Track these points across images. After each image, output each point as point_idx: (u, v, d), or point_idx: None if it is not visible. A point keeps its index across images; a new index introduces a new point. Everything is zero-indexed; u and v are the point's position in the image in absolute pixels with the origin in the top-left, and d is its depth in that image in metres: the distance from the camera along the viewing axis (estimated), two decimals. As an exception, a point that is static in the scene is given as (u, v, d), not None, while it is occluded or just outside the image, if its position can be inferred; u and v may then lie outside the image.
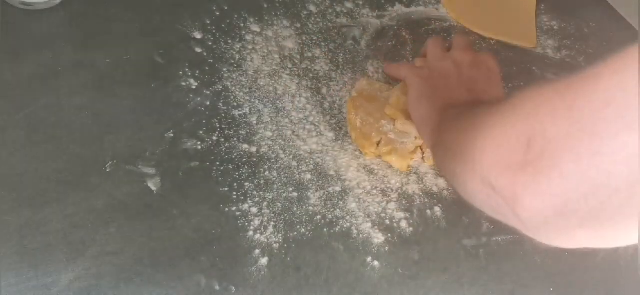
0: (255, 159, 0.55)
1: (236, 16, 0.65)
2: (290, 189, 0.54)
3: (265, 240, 0.50)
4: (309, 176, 0.55)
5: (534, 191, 0.33)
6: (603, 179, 0.31)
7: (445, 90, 0.56)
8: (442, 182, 0.58)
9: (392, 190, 0.56)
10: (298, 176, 0.55)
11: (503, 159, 0.36)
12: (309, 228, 0.52)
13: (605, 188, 0.31)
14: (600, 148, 0.30)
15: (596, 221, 0.32)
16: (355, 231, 0.53)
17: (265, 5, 0.67)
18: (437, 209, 0.56)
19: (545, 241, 0.37)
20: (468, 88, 0.56)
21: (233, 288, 0.47)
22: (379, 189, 0.56)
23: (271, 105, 0.59)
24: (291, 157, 0.56)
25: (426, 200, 0.57)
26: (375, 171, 0.57)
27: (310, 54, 0.64)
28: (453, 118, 0.49)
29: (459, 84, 0.56)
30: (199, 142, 0.55)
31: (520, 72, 0.69)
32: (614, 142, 0.30)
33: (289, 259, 0.50)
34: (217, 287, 0.47)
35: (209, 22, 0.64)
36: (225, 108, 0.58)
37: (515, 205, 0.35)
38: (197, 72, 0.59)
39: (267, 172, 0.54)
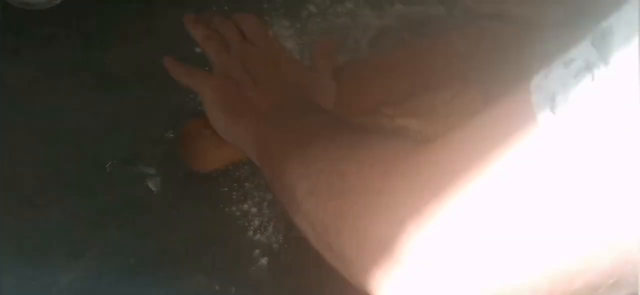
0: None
1: (236, 16, 0.65)
2: (290, 189, 0.54)
3: (265, 240, 0.50)
4: (309, 176, 0.55)
5: None
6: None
7: (248, 100, 0.47)
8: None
9: (392, 190, 0.56)
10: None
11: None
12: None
13: None
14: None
15: None
16: (355, 231, 0.53)
17: (265, 6, 0.67)
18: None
19: None
20: (268, 90, 0.47)
21: (233, 288, 0.47)
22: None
23: (271, 105, 0.59)
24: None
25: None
26: (375, 171, 0.57)
27: (310, 54, 0.64)
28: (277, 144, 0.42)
29: (254, 88, 0.48)
30: (199, 142, 0.55)
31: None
32: None
33: (288, 259, 0.50)
34: (217, 287, 0.47)
35: (209, 22, 0.64)
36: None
37: None
38: (197, 72, 0.59)
39: (267, 172, 0.54)
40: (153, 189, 0.51)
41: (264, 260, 0.49)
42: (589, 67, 0.22)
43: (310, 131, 0.41)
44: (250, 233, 0.50)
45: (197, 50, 0.61)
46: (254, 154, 0.45)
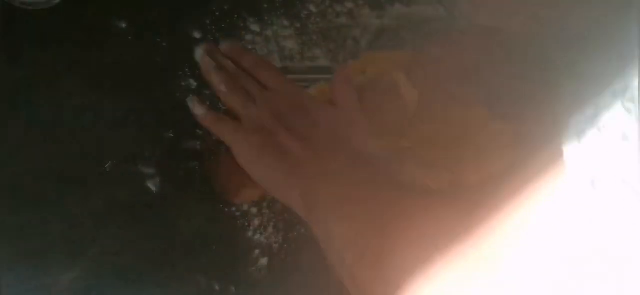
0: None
1: (236, 16, 0.65)
2: (290, 189, 0.54)
3: (265, 240, 0.50)
4: (309, 176, 0.55)
5: None
6: None
7: (288, 151, 0.46)
8: (442, 182, 0.58)
9: (392, 190, 0.56)
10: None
11: None
12: (309, 228, 0.52)
13: None
14: None
15: None
16: (355, 231, 0.53)
17: (265, 5, 0.67)
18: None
19: None
20: (305, 137, 0.46)
21: (233, 288, 0.47)
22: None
23: (271, 105, 0.59)
24: (291, 157, 0.56)
25: (426, 200, 0.56)
26: (375, 171, 0.57)
27: (310, 54, 0.64)
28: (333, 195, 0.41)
29: (289, 137, 0.46)
30: (199, 142, 0.55)
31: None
32: None
33: (289, 259, 0.50)
34: (217, 287, 0.47)
35: (209, 22, 0.64)
36: (225, 108, 0.57)
37: None
38: (197, 72, 0.59)
39: (267, 172, 0.54)
40: (153, 189, 0.51)
41: (264, 260, 0.49)
42: (625, 138, 0.22)
43: (352, 184, 0.42)
44: (250, 233, 0.50)
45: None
46: (300, 209, 0.45)
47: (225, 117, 0.50)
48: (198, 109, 0.51)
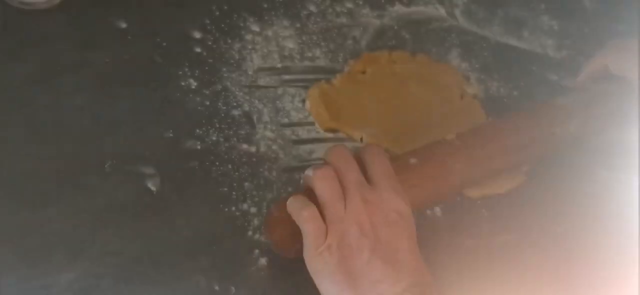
0: (255, 159, 0.55)
1: (236, 16, 0.65)
2: (290, 189, 0.54)
3: (265, 240, 0.50)
4: (308, 176, 0.55)
5: None
6: None
7: (364, 275, 0.42)
8: (442, 182, 0.58)
9: (392, 190, 0.56)
10: (298, 176, 0.55)
11: None
12: (308, 228, 0.52)
13: None
14: None
15: None
16: (355, 231, 0.53)
17: (265, 5, 0.67)
18: (437, 209, 0.56)
19: None
20: (385, 261, 0.42)
21: (233, 288, 0.47)
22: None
23: (271, 105, 0.59)
24: (291, 157, 0.56)
25: (426, 200, 0.56)
26: (375, 171, 0.57)
27: (310, 54, 0.65)
28: None
29: (370, 261, 0.42)
30: (198, 142, 0.55)
31: (521, 73, 0.69)
32: None
33: (289, 259, 0.50)
34: (217, 287, 0.47)
35: (208, 21, 0.64)
36: (225, 108, 0.58)
37: None
38: (197, 72, 0.59)
39: (267, 172, 0.54)
40: (153, 189, 0.51)
41: (263, 260, 0.49)
42: None
43: None
44: (250, 233, 0.50)
45: (197, 50, 0.61)
46: None
47: (314, 211, 0.44)
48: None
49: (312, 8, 0.69)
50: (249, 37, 0.64)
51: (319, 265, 0.42)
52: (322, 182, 0.44)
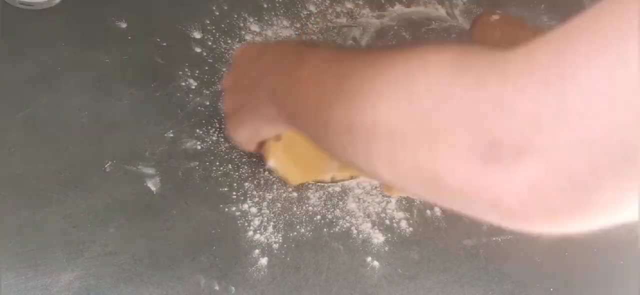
0: (255, 159, 0.55)
1: (236, 16, 0.65)
2: (290, 189, 0.54)
3: (265, 240, 0.50)
4: (308, 176, 0.55)
5: (520, 180, 0.26)
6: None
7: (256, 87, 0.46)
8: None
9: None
10: (298, 176, 0.55)
11: (456, 146, 0.28)
12: (308, 228, 0.52)
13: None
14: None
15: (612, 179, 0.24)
16: (354, 231, 0.53)
17: (265, 5, 0.67)
18: (437, 209, 0.56)
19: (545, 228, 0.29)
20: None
21: (233, 288, 0.47)
22: (378, 189, 0.56)
23: (271, 105, 0.59)
24: (291, 157, 0.56)
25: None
26: (375, 171, 0.57)
27: (310, 54, 0.65)
28: (313, 78, 0.38)
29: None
30: (198, 142, 0.55)
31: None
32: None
33: (288, 259, 0.50)
34: (217, 287, 0.47)
35: (208, 22, 0.64)
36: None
37: (498, 203, 0.28)
38: (197, 72, 0.59)
39: (267, 172, 0.54)
40: (153, 189, 0.51)
41: (263, 260, 0.49)
42: None
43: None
44: (250, 233, 0.50)
45: (197, 50, 0.61)
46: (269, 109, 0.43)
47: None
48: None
49: (312, 8, 0.69)
50: (248, 37, 0.64)
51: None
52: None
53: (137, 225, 0.49)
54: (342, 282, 0.50)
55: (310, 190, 0.54)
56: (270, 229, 0.51)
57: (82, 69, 0.57)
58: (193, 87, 0.58)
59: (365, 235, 0.53)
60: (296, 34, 0.65)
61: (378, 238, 0.53)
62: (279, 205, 0.52)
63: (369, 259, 0.51)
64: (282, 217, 0.52)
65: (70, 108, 0.54)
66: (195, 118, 0.56)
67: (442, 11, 0.75)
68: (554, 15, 0.78)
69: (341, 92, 0.34)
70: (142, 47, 0.60)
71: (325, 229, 0.52)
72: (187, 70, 0.59)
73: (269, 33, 0.65)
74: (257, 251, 0.49)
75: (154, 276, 0.46)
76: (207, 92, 0.58)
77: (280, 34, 0.65)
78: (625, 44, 0.23)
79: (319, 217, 0.53)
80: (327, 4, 0.70)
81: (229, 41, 0.63)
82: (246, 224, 0.50)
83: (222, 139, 0.55)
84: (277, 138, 0.51)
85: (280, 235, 0.51)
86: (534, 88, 0.26)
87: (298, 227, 0.52)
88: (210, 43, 0.62)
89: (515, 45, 0.27)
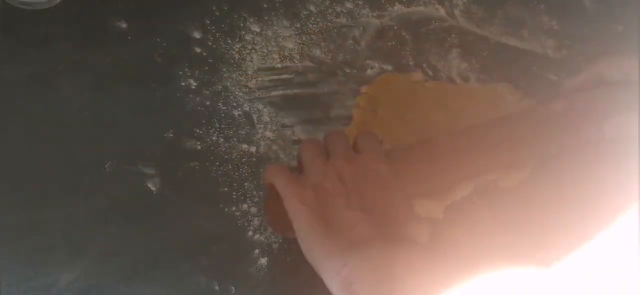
0: (255, 159, 0.55)
1: (236, 16, 0.65)
2: (290, 189, 0.54)
3: (265, 240, 0.50)
4: (308, 176, 0.55)
5: None
6: None
7: (339, 220, 0.42)
8: (442, 182, 0.58)
9: (392, 190, 0.56)
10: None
11: None
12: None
13: None
14: None
15: None
16: (355, 231, 0.53)
17: (265, 5, 0.67)
18: (437, 209, 0.56)
19: None
20: (363, 210, 0.42)
21: (233, 288, 0.47)
22: (378, 189, 0.56)
23: (271, 105, 0.59)
24: (291, 157, 0.56)
25: (426, 200, 0.57)
26: (375, 171, 0.57)
27: (310, 54, 0.65)
28: (370, 277, 0.38)
29: (348, 207, 0.42)
30: (198, 142, 0.55)
31: (521, 73, 0.69)
32: None
33: (288, 259, 0.50)
34: (217, 287, 0.47)
35: (208, 22, 0.64)
36: (225, 108, 0.58)
37: None
38: (197, 72, 0.59)
39: (267, 172, 0.54)
40: (153, 189, 0.51)
41: (263, 260, 0.49)
42: None
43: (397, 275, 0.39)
44: (250, 233, 0.50)
45: (197, 50, 0.61)
46: (337, 285, 0.41)
47: (293, 175, 0.46)
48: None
49: (312, 8, 0.69)
50: (249, 37, 0.64)
51: (296, 205, 0.43)
52: (307, 146, 0.47)
53: (137, 225, 0.49)
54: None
55: (310, 190, 0.54)
56: (271, 229, 0.51)
57: (82, 69, 0.57)
58: (193, 87, 0.58)
59: (365, 235, 0.53)
60: (296, 34, 0.65)
61: (378, 238, 0.53)
62: (279, 205, 0.52)
63: (369, 259, 0.51)
64: (282, 217, 0.52)
65: (70, 108, 0.54)
66: (195, 118, 0.56)
67: (442, 11, 0.75)
68: (554, 15, 0.78)
69: None
70: (142, 47, 0.60)
71: (325, 229, 0.52)
72: (187, 70, 0.59)
73: (269, 33, 0.65)
74: (257, 251, 0.49)
75: (154, 276, 0.46)
76: (207, 92, 0.58)
77: (281, 34, 0.65)
78: None
79: (319, 217, 0.53)
80: (327, 4, 0.70)
81: (229, 41, 0.63)
82: (246, 224, 0.51)
83: (223, 139, 0.55)
84: None
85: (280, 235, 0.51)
86: None
87: (298, 227, 0.52)
88: (210, 43, 0.62)
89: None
